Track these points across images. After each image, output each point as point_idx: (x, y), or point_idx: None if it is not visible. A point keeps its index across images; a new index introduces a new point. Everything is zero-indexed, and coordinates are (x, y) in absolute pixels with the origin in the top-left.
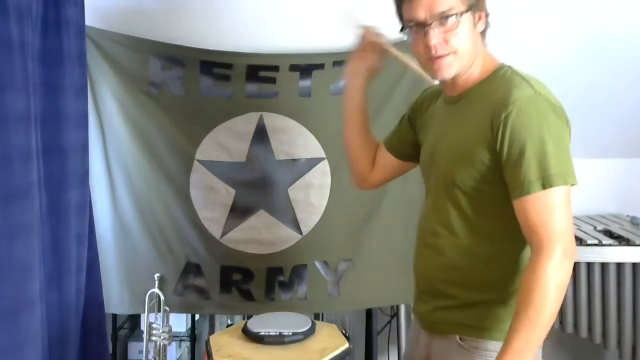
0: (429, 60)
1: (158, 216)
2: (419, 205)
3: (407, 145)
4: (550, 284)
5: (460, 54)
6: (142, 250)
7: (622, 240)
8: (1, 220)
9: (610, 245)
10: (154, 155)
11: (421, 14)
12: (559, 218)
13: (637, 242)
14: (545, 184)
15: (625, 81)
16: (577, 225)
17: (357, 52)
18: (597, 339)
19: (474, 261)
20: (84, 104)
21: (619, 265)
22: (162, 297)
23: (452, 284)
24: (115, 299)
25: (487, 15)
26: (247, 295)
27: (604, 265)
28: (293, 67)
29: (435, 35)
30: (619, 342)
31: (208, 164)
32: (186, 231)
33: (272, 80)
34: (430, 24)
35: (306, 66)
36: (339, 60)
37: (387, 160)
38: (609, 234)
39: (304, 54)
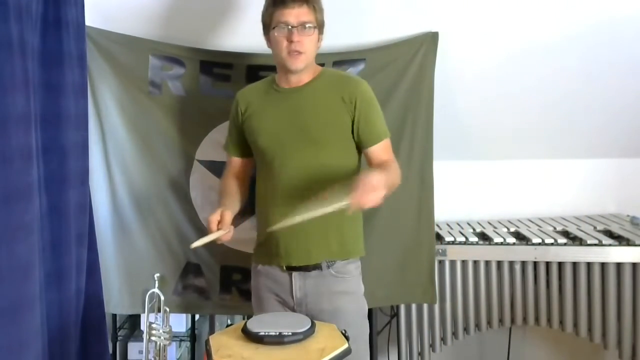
0: (289, 54)
1: (158, 216)
2: (419, 205)
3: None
4: (398, 170)
5: (308, 55)
6: (142, 250)
7: (622, 240)
8: (1, 220)
9: (610, 245)
10: (154, 155)
11: (291, 19)
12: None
13: (637, 242)
14: (386, 135)
15: (626, 80)
16: (577, 225)
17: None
18: (597, 339)
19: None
20: (84, 104)
21: (619, 265)
22: (162, 297)
23: (324, 225)
24: (115, 299)
25: (321, 40)
26: (247, 295)
27: (604, 265)
28: None
29: (297, 35)
30: (619, 342)
31: (208, 164)
32: (186, 231)
33: None
34: (296, 27)
35: None
36: (339, 60)
37: (245, 166)
38: (609, 234)
39: None
